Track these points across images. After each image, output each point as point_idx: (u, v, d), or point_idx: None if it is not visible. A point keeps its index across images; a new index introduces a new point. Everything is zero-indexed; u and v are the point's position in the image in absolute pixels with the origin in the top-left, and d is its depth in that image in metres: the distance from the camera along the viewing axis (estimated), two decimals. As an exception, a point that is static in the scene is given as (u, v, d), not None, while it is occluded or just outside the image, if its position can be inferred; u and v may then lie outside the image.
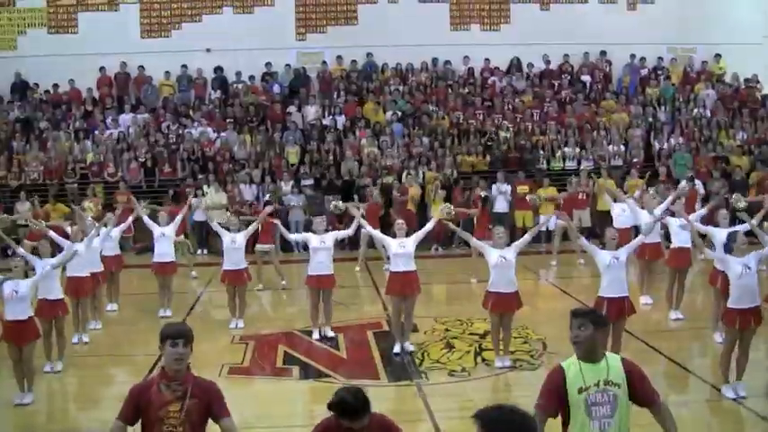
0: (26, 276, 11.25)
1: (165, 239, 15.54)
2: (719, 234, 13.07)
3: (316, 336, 13.65)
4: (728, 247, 12.34)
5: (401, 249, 12.62)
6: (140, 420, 5.54)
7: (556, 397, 5.41)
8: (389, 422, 5.64)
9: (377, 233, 13.76)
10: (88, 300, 13.99)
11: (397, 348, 12.66)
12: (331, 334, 13.70)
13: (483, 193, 19.13)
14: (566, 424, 5.49)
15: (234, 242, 14.61)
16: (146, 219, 15.95)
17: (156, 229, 15.63)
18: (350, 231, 14.70)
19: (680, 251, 14.14)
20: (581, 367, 5.43)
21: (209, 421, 5.61)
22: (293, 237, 15.27)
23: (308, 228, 22.24)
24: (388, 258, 14.03)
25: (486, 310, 11.93)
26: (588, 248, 11.44)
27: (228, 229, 14.99)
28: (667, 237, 15.30)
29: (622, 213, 16.33)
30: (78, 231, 14.28)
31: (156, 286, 15.98)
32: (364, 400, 5.50)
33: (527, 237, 12.46)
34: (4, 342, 10.74)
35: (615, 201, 16.93)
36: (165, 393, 5.48)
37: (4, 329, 10.68)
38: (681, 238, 14.06)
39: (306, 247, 14.43)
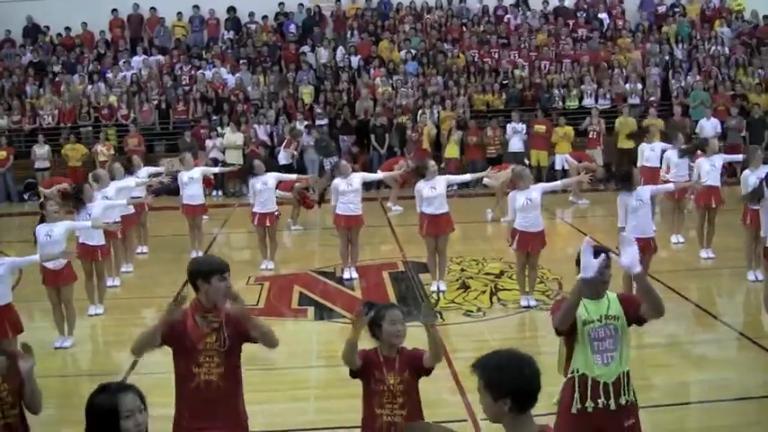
0: None
1: (195, 182, 15.57)
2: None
3: (347, 275, 13.67)
4: None
5: (432, 192, 12.57)
6: (173, 350, 5.55)
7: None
8: (415, 350, 5.65)
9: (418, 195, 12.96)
10: (119, 243, 14.01)
11: (433, 287, 12.73)
12: (355, 275, 13.69)
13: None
14: (569, 358, 5.68)
15: (265, 183, 14.56)
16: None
17: (185, 174, 15.65)
18: (379, 176, 15.33)
19: (709, 190, 13.95)
20: (585, 303, 5.61)
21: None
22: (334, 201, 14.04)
23: (321, 167, 22.26)
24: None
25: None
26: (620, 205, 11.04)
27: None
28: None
29: (652, 153, 16.57)
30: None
31: (185, 228, 15.94)
32: None
33: (558, 183, 13.02)
34: (44, 286, 10.82)
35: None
36: (202, 326, 5.49)
37: (42, 273, 10.74)
38: (710, 177, 13.90)
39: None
